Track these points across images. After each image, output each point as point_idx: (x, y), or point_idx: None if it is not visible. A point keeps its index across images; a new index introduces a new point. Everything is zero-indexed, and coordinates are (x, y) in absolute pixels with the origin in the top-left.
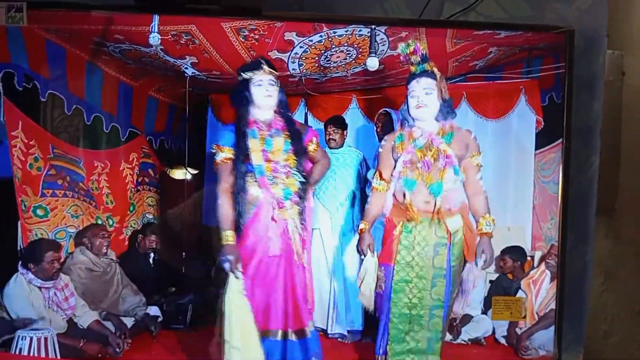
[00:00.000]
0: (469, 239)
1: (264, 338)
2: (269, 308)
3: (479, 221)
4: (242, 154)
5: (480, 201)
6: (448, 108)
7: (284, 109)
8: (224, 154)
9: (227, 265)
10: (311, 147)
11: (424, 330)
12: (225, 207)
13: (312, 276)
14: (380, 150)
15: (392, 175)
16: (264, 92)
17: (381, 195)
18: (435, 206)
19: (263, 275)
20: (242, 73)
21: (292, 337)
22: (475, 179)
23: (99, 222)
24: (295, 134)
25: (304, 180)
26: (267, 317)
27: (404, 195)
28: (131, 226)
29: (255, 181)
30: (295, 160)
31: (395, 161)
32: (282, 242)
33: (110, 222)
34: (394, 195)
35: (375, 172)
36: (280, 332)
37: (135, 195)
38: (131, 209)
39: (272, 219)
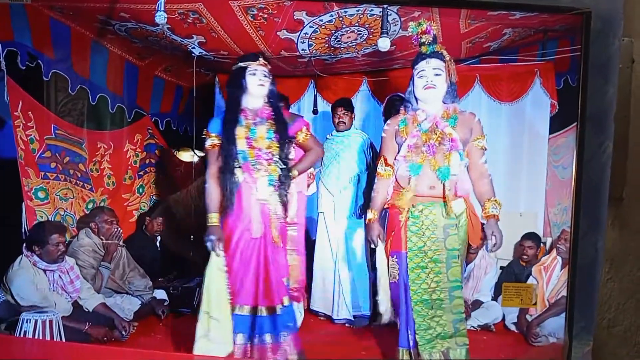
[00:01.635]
0: (473, 223)
1: (234, 313)
2: (243, 285)
3: (485, 204)
4: (228, 141)
5: (485, 184)
6: (454, 91)
7: (273, 99)
8: (212, 140)
9: (209, 245)
10: (301, 136)
11: (447, 313)
12: (212, 191)
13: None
14: (383, 134)
15: (395, 159)
16: (257, 81)
17: (387, 181)
18: (443, 191)
19: (242, 254)
20: (239, 62)
21: (263, 312)
22: (479, 163)
23: (90, 205)
24: (281, 123)
25: (284, 167)
26: (240, 293)
27: (409, 180)
28: (142, 208)
29: (240, 166)
30: (278, 148)
31: (399, 145)
32: (263, 224)
33: (102, 205)
34: (396, 180)
35: (380, 157)
36: (249, 308)
37: (143, 177)
38: (140, 190)
39: (255, 202)
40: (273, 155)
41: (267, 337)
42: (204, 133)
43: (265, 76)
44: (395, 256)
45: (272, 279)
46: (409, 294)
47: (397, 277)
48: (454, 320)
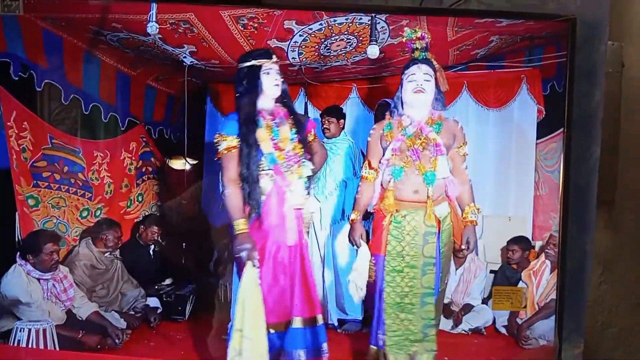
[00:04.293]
0: (457, 226)
1: (277, 330)
2: (284, 299)
3: (465, 210)
4: (248, 143)
5: (465, 190)
6: (442, 99)
7: (287, 98)
8: (228, 142)
9: (244, 255)
10: (310, 138)
11: (417, 318)
12: (234, 197)
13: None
14: (368, 139)
15: (380, 163)
16: (273, 81)
17: (371, 184)
18: (427, 196)
19: (278, 266)
20: (250, 59)
21: (305, 325)
22: (461, 169)
23: (85, 214)
24: (299, 123)
25: (313, 168)
26: (283, 308)
27: (389, 182)
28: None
29: (268, 169)
30: (302, 149)
31: (384, 150)
32: (298, 231)
33: (98, 213)
34: (381, 184)
35: (364, 161)
36: (298, 320)
37: (141, 185)
38: (139, 199)
39: (289, 207)
40: (300, 156)
41: (302, 353)
42: (216, 137)
43: (279, 74)
44: (373, 258)
45: (311, 288)
46: (383, 296)
47: (374, 278)
48: (424, 325)
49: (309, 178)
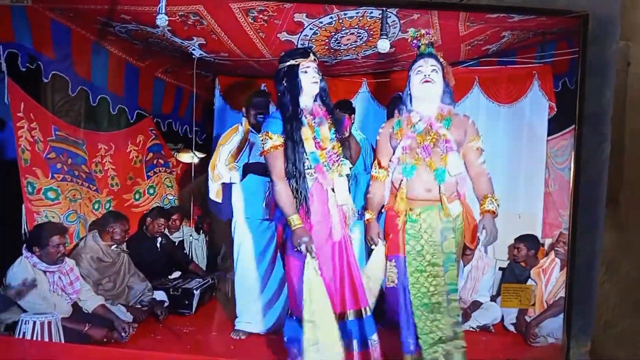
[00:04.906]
0: (470, 225)
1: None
2: (333, 292)
3: (483, 199)
4: (294, 142)
5: (483, 182)
6: (450, 93)
7: (326, 96)
8: (273, 141)
9: (303, 247)
10: (346, 134)
11: (445, 317)
12: (284, 193)
13: None
14: (377, 137)
15: (390, 161)
16: (311, 79)
17: (381, 183)
18: (439, 193)
19: (327, 260)
20: (289, 59)
21: (352, 316)
22: (477, 163)
23: (97, 206)
24: (337, 123)
25: (352, 166)
26: (334, 302)
27: (401, 182)
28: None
29: (311, 168)
30: (341, 147)
31: (394, 148)
32: (342, 227)
33: (107, 206)
34: (392, 183)
35: (374, 160)
36: (350, 313)
37: (153, 178)
38: (150, 191)
39: (333, 205)
40: (339, 155)
41: (355, 343)
42: (260, 136)
43: (317, 72)
44: (393, 260)
45: (357, 281)
46: (409, 298)
47: (396, 281)
48: (452, 324)
49: (348, 176)
